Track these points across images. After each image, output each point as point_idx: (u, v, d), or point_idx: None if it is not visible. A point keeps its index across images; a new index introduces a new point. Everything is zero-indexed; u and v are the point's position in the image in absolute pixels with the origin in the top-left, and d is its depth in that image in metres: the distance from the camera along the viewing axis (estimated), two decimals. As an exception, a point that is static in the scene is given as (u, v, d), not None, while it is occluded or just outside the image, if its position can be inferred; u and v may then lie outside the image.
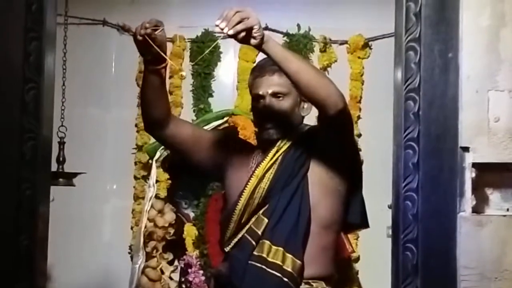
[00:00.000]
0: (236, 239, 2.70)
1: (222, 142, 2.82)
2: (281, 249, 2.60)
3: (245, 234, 2.67)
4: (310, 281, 2.66)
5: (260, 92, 2.75)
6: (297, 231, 2.64)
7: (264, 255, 2.61)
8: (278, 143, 2.73)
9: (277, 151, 2.73)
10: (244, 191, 2.66)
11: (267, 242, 2.62)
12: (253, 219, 2.67)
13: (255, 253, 2.63)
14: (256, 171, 2.67)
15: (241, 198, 2.67)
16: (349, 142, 2.70)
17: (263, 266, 2.60)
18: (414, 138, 2.24)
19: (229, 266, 2.71)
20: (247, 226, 2.68)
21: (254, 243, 2.64)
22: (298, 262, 2.60)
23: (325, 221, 2.68)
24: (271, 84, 2.76)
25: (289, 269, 2.59)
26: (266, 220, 2.65)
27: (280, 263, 2.60)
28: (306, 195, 2.64)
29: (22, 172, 2.31)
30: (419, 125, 2.24)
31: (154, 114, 2.69)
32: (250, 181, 2.66)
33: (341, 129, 2.60)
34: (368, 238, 3.68)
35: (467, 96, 2.23)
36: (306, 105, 2.77)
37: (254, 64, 4.28)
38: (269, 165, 2.69)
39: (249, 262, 2.63)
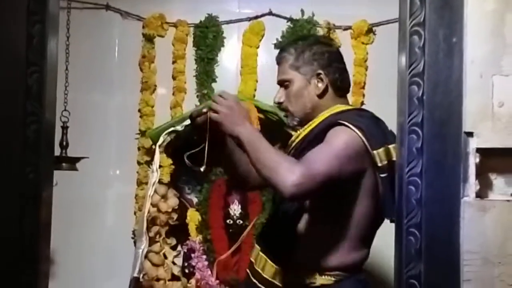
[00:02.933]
0: None
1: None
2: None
3: None
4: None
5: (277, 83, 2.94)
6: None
7: None
8: (298, 131, 2.80)
9: (295, 139, 2.79)
10: None
11: None
12: None
13: None
14: None
15: None
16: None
17: None
18: (418, 123, 2.23)
19: None
20: None
21: None
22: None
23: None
24: (278, 73, 2.92)
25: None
26: None
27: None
28: None
29: (26, 156, 2.31)
30: (423, 110, 2.23)
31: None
32: None
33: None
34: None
35: (472, 81, 2.22)
36: (317, 82, 2.80)
37: (258, 50, 4.32)
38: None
39: None
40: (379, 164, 2.64)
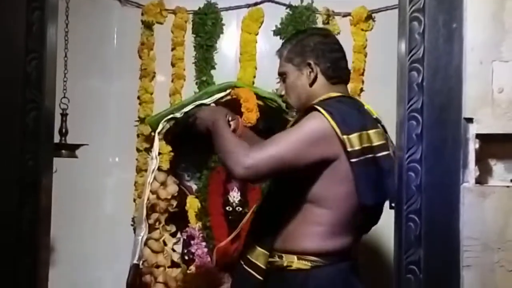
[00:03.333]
0: None
1: None
2: None
3: None
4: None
5: None
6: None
7: None
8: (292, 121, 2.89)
9: (288, 127, 2.86)
10: None
11: None
12: None
13: None
14: None
15: None
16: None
17: None
18: (417, 109, 2.23)
19: None
20: None
21: None
22: None
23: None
24: (278, 67, 3.02)
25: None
26: None
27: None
28: None
29: (25, 144, 2.31)
30: (423, 96, 2.23)
31: None
32: None
33: None
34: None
35: (471, 67, 2.22)
36: (308, 72, 2.85)
37: (257, 36, 4.32)
38: None
39: None
40: (349, 149, 2.65)
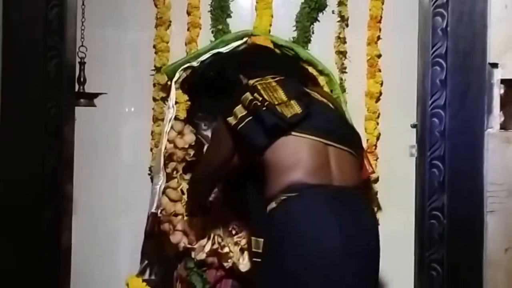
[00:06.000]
0: None
1: None
2: None
3: None
4: None
5: None
6: None
7: None
8: None
9: None
10: None
11: None
12: None
13: None
14: None
15: None
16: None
17: None
18: (441, 54, 2.22)
19: None
20: None
21: None
22: None
23: None
24: None
25: None
26: None
27: None
28: None
29: (47, 91, 2.32)
30: (447, 41, 2.23)
31: None
32: None
33: None
34: (389, 158, 3.67)
35: (496, 12, 2.21)
36: None
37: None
38: None
39: None
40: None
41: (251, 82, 2.90)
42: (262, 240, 2.86)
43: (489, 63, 2.18)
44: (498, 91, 2.19)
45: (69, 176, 2.44)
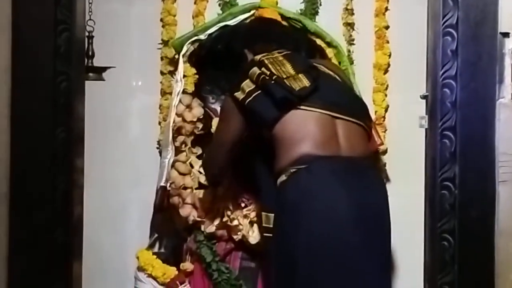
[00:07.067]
0: None
1: None
2: None
3: None
4: None
5: None
6: None
7: None
8: None
9: None
10: None
11: None
12: None
13: None
14: None
15: None
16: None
17: None
18: (452, 24, 2.21)
19: None
20: None
21: None
22: None
23: None
24: None
25: None
26: None
27: None
28: None
29: (57, 65, 2.31)
30: (458, 11, 2.21)
31: None
32: None
33: None
34: (398, 130, 3.67)
35: (508, -20, 2.19)
36: None
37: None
38: None
39: None
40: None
41: (257, 57, 2.90)
42: (272, 215, 2.87)
43: (501, 33, 2.17)
44: (509, 60, 2.18)
45: (80, 150, 2.44)
